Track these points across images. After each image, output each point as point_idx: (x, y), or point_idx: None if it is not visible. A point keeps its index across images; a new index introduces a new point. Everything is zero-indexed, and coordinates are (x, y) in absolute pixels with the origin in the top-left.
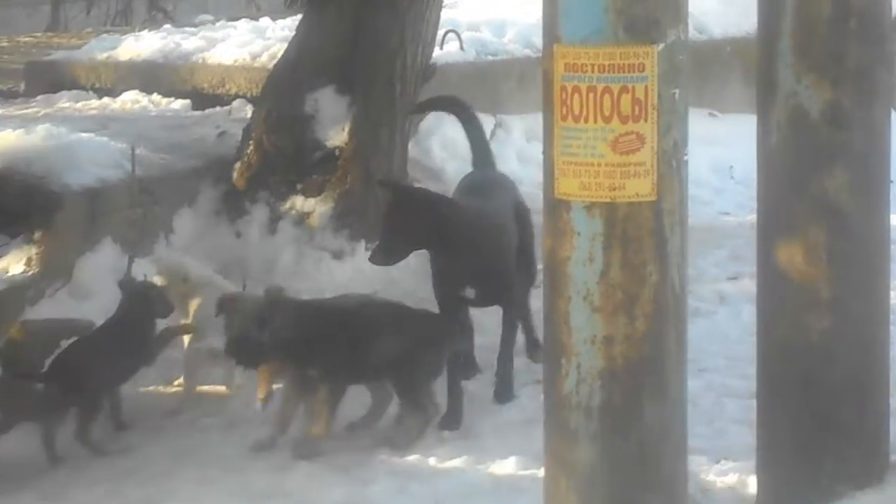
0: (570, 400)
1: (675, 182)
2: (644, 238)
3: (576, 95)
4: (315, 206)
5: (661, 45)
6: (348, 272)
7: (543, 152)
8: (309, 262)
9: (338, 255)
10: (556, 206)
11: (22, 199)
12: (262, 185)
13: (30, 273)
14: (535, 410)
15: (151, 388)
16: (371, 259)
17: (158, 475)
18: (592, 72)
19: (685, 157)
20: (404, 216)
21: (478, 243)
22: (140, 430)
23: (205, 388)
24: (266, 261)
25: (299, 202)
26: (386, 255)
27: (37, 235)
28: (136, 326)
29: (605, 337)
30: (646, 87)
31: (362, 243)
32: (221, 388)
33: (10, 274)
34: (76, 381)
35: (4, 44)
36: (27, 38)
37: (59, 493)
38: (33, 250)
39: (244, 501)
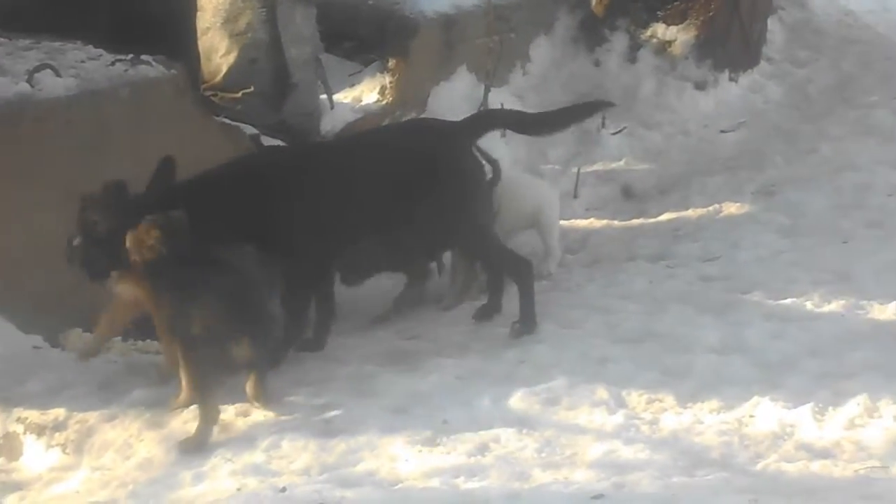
0: None
1: None
2: None
3: None
4: (677, 35)
5: None
6: (711, 104)
7: None
8: (671, 93)
9: (700, 86)
10: None
11: (376, 27)
12: (621, 11)
13: (384, 102)
14: None
15: None
16: None
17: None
18: None
19: None
20: None
21: None
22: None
23: None
24: (626, 91)
25: (661, 30)
26: None
27: (391, 63)
28: None
29: None
30: None
31: (726, 73)
32: None
33: (364, 102)
34: None
35: None
36: None
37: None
38: (387, 79)
39: (609, 342)
